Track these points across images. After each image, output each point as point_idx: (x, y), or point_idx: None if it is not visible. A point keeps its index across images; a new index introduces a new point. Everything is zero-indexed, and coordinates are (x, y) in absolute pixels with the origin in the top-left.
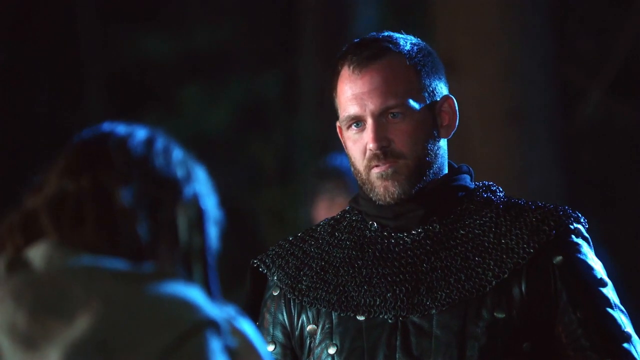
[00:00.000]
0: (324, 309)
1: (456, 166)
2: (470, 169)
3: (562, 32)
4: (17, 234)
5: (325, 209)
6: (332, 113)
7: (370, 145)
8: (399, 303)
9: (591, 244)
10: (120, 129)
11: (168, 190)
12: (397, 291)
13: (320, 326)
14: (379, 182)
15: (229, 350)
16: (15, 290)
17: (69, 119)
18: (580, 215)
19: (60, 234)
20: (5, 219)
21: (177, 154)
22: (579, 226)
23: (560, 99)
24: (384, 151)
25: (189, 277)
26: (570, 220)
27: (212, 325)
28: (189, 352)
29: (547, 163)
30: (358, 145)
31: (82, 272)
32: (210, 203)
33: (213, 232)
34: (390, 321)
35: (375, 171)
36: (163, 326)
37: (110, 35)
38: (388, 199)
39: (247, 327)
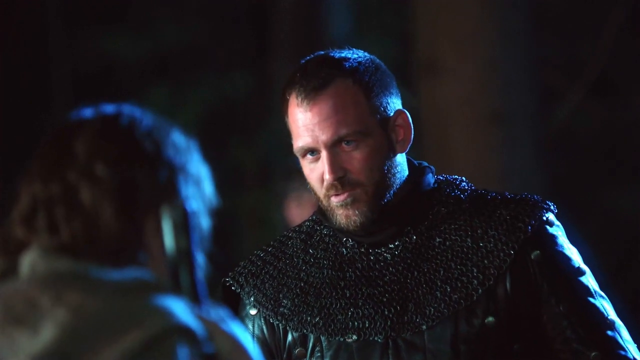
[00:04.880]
0: (312, 335)
1: (416, 163)
2: (431, 167)
3: (543, 35)
4: None
5: (296, 208)
6: None
7: (327, 177)
8: (389, 323)
9: (563, 230)
10: (85, 114)
11: (138, 170)
12: (386, 312)
13: (309, 350)
14: (339, 210)
15: (207, 357)
16: None
17: (37, 120)
18: (549, 203)
19: (39, 243)
20: None
21: (145, 126)
22: (551, 215)
23: (541, 100)
24: (340, 182)
25: (175, 281)
26: (543, 211)
27: (184, 332)
28: (154, 358)
29: (528, 164)
30: (315, 173)
31: (54, 282)
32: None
33: (200, 236)
34: (380, 341)
35: (334, 200)
36: (125, 331)
37: (78, 36)
38: (351, 227)
39: (236, 329)
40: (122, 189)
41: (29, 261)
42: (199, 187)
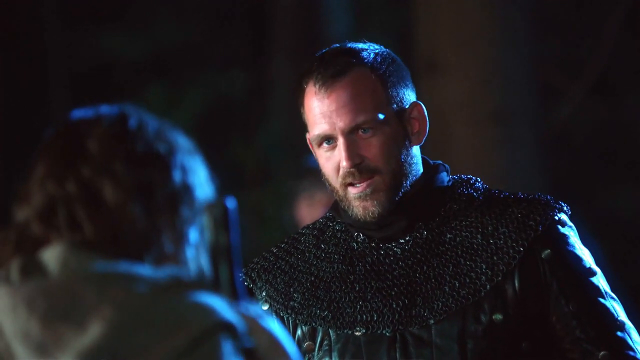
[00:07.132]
0: (320, 328)
1: (432, 162)
2: (446, 165)
3: (543, 34)
4: (12, 251)
5: (307, 207)
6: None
7: (344, 164)
8: (397, 317)
9: (576, 231)
10: (88, 114)
11: (154, 170)
12: (394, 305)
13: (317, 343)
14: (357, 202)
15: (247, 352)
16: (28, 296)
17: (35, 118)
18: (562, 203)
19: (62, 239)
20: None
21: (153, 127)
22: (563, 215)
23: (542, 100)
24: (358, 169)
25: (214, 278)
26: (555, 211)
27: (227, 327)
28: (201, 356)
29: (529, 164)
30: (331, 162)
31: (96, 278)
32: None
33: (237, 232)
34: (388, 334)
35: (352, 191)
36: (174, 330)
37: (76, 35)
38: (368, 218)
39: (273, 325)
40: (141, 188)
41: (55, 257)
42: (205, 188)
